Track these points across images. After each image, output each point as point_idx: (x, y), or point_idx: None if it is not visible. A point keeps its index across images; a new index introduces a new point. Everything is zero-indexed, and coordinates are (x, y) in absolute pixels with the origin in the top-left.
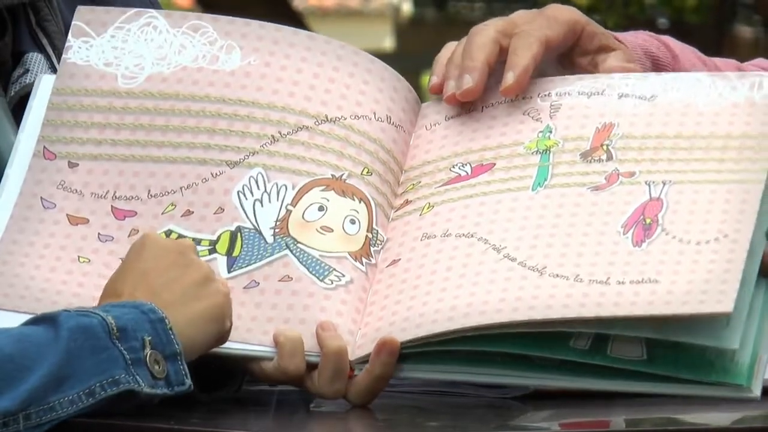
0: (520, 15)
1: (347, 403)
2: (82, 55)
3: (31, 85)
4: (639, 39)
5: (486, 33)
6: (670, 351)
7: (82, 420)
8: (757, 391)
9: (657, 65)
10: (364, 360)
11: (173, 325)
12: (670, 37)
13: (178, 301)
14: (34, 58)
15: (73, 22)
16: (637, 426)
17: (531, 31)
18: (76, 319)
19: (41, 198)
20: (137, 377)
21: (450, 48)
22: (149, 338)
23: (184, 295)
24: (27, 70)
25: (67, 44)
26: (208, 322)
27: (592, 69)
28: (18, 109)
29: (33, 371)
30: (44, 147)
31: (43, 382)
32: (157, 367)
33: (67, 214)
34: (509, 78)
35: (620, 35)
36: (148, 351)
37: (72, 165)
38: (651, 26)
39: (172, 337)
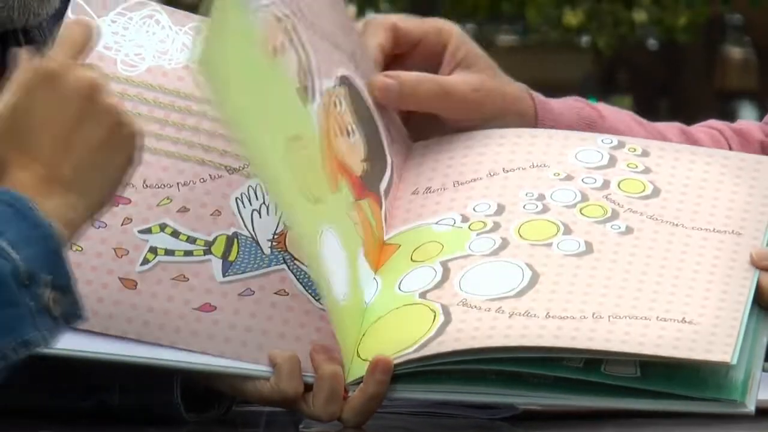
0: None
1: (338, 424)
2: None
3: None
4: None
5: None
6: (663, 369)
7: None
8: (751, 406)
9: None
10: (358, 382)
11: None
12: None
13: (86, 169)
14: None
15: (72, 0)
16: None
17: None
18: None
19: None
20: (44, 331)
21: None
22: (49, 277)
23: (92, 162)
24: None
25: (65, 20)
26: (115, 172)
27: None
28: None
29: None
30: None
31: None
32: (56, 307)
33: None
34: None
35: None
36: (48, 293)
37: None
38: (641, 46)
39: (66, 265)
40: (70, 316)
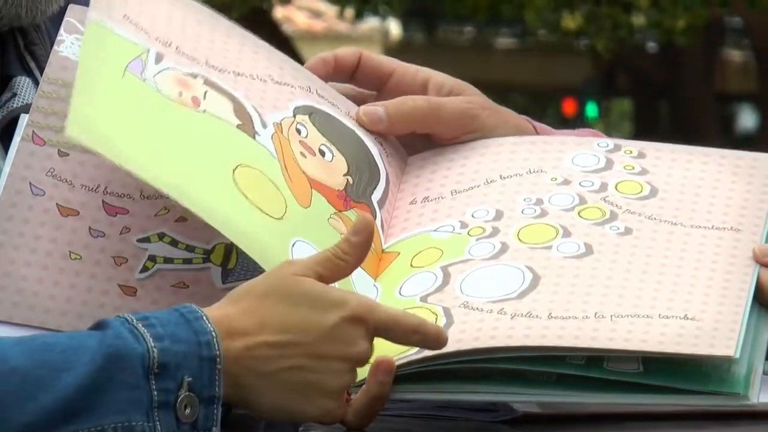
0: None
1: (339, 427)
2: (74, 51)
3: (19, 110)
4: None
5: None
6: (665, 365)
7: None
8: (754, 399)
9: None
10: (360, 384)
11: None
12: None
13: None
14: (22, 82)
15: (66, 18)
16: None
17: None
18: (120, 342)
19: (30, 183)
20: (157, 423)
21: None
22: (190, 379)
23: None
24: (15, 94)
25: (59, 38)
26: (310, 397)
27: None
28: (6, 134)
29: (46, 391)
30: (33, 131)
31: (53, 410)
32: (187, 411)
33: (57, 204)
34: None
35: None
36: (183, 393)
37: (62, 154)
38: (640, 49)
39: (217, 379)
40: (201, 427)
